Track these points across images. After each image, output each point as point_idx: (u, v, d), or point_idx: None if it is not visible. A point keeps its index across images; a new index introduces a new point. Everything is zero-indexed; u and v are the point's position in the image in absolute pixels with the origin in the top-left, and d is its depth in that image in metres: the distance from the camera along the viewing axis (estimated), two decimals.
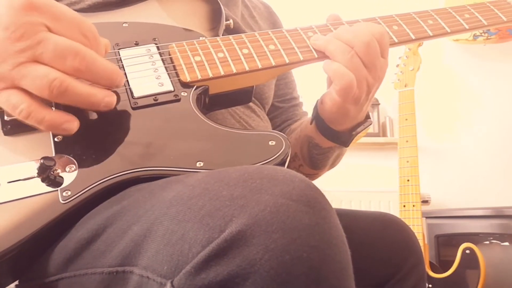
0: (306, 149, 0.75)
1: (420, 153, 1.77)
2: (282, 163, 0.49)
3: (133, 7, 0.69)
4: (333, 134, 0.69)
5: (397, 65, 1.87)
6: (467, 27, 0.69)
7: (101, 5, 0.68)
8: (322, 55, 0.63)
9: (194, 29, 0.66)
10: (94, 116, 0.53)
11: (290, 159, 0.78)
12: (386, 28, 0.67)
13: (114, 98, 0.48)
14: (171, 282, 0.33)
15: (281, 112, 0.93)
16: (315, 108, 0.69)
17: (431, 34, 0.68)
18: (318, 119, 0.69)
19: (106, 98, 0.47)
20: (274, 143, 0.50)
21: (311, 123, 0.71)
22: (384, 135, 2.38)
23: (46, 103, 0.46)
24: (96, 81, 0.47)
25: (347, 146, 0.72)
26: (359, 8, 2.16)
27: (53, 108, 0.48)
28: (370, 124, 0.71)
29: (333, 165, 0.82)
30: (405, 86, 1.82)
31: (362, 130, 0.70)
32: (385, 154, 2.30)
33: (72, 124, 0.46)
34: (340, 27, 0.64)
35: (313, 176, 0.82)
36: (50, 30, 0.45)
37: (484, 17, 0.71)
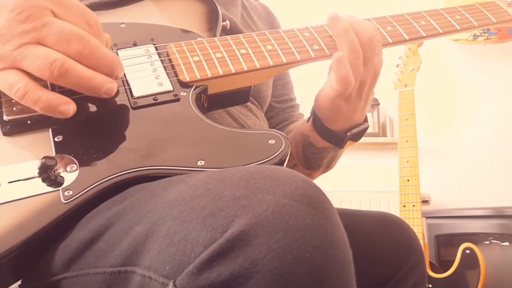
0: (301, 148, 0.75)
1: (420, 153, 1.77)
2: (281, 162, 0.49)
3: (129, 7, 0.69)
4: (328, 134, 0.69)
5: (397, 65, 1.87)
6: (458, 28, 0.71)
7: (97, 5, 0.68)
8: (319, 56, 0.63)
9: (191, 30, 0.66)
10: (94, 115, 0.53)
11: None
12: (381, 29, 0.68)
13: (115, 85, 0.48)
14: (174, 282, 0.33)
15: (277, 112, 0.93)
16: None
17: (424, 35, 0.69)
18: (315, 116, 0.69)
19: (107, 84, 0.47)
20: (273, 141, 0.50)
21: (308, 121, 0.71)
22: (384, 135, 2.38)
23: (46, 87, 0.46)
24: (97, 67, 0.47)
25: (341, 147, 0.72)
26: (356, 8, 2.16)
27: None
28: (367, 127, 0.70)
29: (328, 167, 0.81)
30: (405, 86, 1.82)
31: (357, 132, 0.69)
32: (385, 154, 2.31)
33: (69, 107, 0.46)
34: (349, 17, 0.64)
35: (308, 177, 0.81)
36: (55, 15, 0.46)
37: (474, 18, 0.73)
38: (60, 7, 0.46)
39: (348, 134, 0.68)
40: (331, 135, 0.69)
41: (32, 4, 0.44)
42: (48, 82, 0.48)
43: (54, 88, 0.49)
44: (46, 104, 0.45)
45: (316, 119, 0.69)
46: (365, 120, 0.71)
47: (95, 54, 0.46)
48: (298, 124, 0.79)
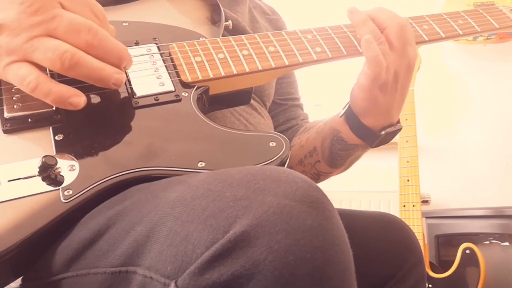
0: (329, 143, 0.74)
1: (420, 153, 1.77)
2: (281, 165, 0.50)
3: (133, 3, 0.69)
4: (363, 130, 0.68)
5: None
6: (461, 32, 0.71)
7: (101, 2, 0.68)
8: (321, 58, 0.63)
9: (195, 23, 0.66)
10: (95, 115, 0.53)
11: (307, 154, 0.78)
12: None
13: (123, 76, 0.48)
14: (175, 283, 0.33)
15: (283, 110, 0.93)
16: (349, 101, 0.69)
17: (426, 39, 0.69)
18: (350, 112, 0.68)
19: (116, 75, 0.47)
20: (274, 144, 0.50)
21: (341, 116, 0.70)
22: None
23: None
24: (106, 58, 0.47)
25: (373, 146, 0.71)
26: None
27: None
28: (400, 129, 0.69)
29: (347, 167, 0.80)
30: None
31: (392, 132, 0.68)
32: (385, 154, 2.30)
33: (79, 99, 0.46)
34: (375, 7, 0.65)
35: (326, 175, 0.80)
36: (63, 7, 0.46)
37: (477, 24, 0.73)
38: (68, 0, 0.47)
39: (383, 132, 0.67)
40: (366, 131, 0.68)
41: None
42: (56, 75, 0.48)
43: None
44: (57, 96, 0.45)
45: (350, 115, 0.68)
46: (398, 121, 0.70)
47: (104, 44, 0.47)
48: (328, 118, 0.78)
